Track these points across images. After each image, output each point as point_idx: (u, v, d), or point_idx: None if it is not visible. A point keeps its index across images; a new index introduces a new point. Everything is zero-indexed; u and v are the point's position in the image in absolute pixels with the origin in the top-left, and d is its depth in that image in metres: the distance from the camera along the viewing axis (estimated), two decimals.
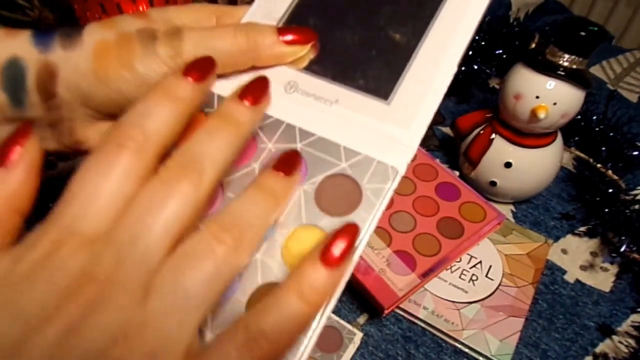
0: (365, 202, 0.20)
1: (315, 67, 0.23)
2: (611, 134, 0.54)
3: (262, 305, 0.16)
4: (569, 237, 0.49)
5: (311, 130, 0.22)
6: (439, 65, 0.22)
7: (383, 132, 0.21)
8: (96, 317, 0.14)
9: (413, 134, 0.21)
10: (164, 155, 0.17)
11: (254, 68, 0.23)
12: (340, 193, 0.20)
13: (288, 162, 0.19)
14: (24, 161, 0.16)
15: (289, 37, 0.22)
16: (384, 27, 0.24)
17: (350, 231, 0.17)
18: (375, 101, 0.22)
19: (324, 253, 0.16)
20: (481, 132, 0.48)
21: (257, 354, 0.15)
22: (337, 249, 0.16)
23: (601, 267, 0.47)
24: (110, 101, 0.23)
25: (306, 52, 0.23)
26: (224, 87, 0.22)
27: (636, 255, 0.45)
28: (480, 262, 0.44)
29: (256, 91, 0.19)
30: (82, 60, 0.23)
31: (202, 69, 0.19)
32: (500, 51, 0.62)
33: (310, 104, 0.22)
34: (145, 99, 0.17)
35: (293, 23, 0.24)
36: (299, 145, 0.21)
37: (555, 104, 0.42)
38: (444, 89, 0.22)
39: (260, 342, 0.15)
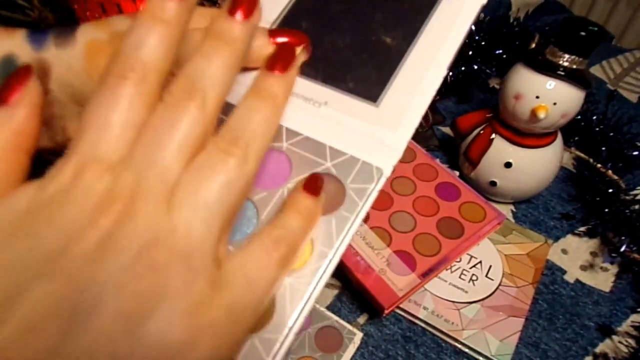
0: (348, 201, 0.20)
1: (306, 69, 0.23)
2: (611, 134, 0.54)
3: (277, 220, 0.19)
4: (569, 237, 0.49)
5: (298, 130, 0.22)
6: (428, 69, 0.22)
7: (370, 134, 0.21)
8: (128, 227, 0.15)
9: (400, 137, 0.21)
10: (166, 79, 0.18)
11: (245, 69, 0.23)
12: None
13: (282, 58, 0.19)
14: (27, 100, 0.17)
15: (280, 39, 0.22)
16: (376, 31, 0.24)
17: (316, 186, 0.20)
18: (364, 104, 0.22)
19: (305, 186, 0.20)
20: (481, 132, 0.48)
21: (281, 251, 0.18)
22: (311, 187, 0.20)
23: (601, 267, 0.47)
24: None
25: (297, 54, 0.23)
26: None
27: (636, 255, 0.45)
28: (480, 262, 0.44)
29: (246, 3, 0.18)
30: (74, 59, 0.23)
31: None
32: (500, 51, 0.62)
33: (298, 105, 0.22)
34: (135, 27, 0.17)
35: (286, 26, 0.24)
36: (285, 145, 0.21)
37: (555, 104, 0.42)
38: (433, 93, 0.22)
39: (281, 242, 0.18)
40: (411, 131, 0.21)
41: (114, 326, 0.14)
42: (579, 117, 0.55)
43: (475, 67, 0.61)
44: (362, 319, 0.41)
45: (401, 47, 0.23)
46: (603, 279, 0.46)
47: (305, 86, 0.23)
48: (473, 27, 0.62)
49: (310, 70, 0.23)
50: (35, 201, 0.15)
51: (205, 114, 0.17)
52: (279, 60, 0.19)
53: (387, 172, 0.21)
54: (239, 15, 0.18)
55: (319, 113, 0.22)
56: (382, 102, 0.22)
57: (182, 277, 0.15)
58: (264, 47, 0.22)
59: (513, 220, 0.50)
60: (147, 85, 0.17)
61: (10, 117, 0.17)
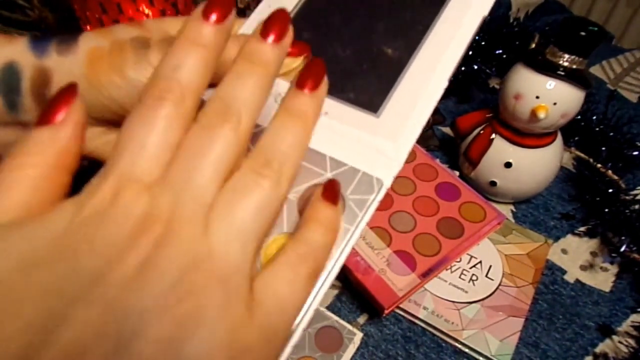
0: (348, 212, 0.20)
1: None
2: (611, 134, 0.54)
3: (300, 234, 0.18)
4: (569, 237, 0.49)
5: None
6: (429, 81, 0.22)
7: (371, 144, 0.21)
8: (167, 250, 0.15)
9: (400, 148, 0.21)
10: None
11: None
12: None
13: (311, 76, 0.19)
14: (71, 119, 0.17)
15: None
16: (378, 41, 0.24)
17: (335, 190, 0.19)
18: (365, 114, 0.22)
19: (324, 193, 0.19)
20: (481, 132, 0.48)
21: (307, 267, 0.17)
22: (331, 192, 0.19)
23: (601, 267, 0.47)
24: (102, 107, 0.24)
25: (298, 64, 0.23)
26: None
27: (636, 255, 0.45)
28: (480, 262, 0.44)
29: (278, 27, 0.19)
30: (75, 66, 0.24)
31: (222, 9, 0.18)
32: (500, 51, 0.62)
33: None
34: (173, 50, 0.18)
35: None
36: None
37: (555, 104, 0.42)
38: (433, 104, 0.22)
39: (307, 258, 0.18)
40: (412, 142, 0.21)
41: (155, 351, 0.14)
42: (579, 117, 0.55)
43: (475, 67, 0.61)
44: (362, 319, 0.41)
45: (402, 58, 0.23)
46: (603, 279, 0.46)
47: None
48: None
49: None
50: (74, 222, 0.15)
51: (239, 136, 0.17)
52: (309, 78, 0.19)
53: (388, 183, 0.20)
54: (270, 38, 0.18)
55: (320, 123, 0.22)
56: (382, 112, 0.22)
57: (220, 300, 0.15)
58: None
59: (513, 220, 0.50)
60: (184, 107, 0.17)
61: (55, 137, 0.17)
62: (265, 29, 0.18)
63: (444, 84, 0.22)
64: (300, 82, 0.19)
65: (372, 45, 0.24)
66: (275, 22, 0.19)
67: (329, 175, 0.21)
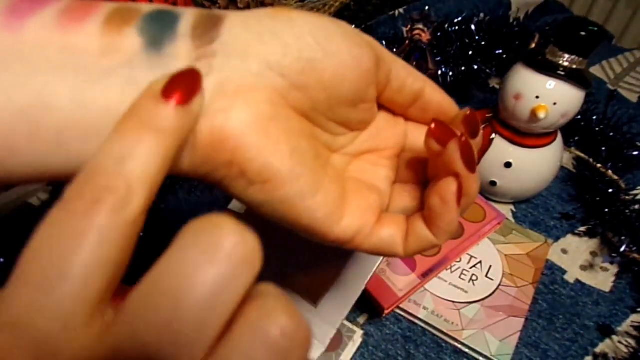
0: None
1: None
2: (611, 134, 0.54)
3: None
4: (569, 237, 0.49)
5: None
6: (354, 287, 0.34)
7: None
8: None
9: (328, 334, 0.35)
10: None
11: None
12: None
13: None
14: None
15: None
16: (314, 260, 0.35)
17: None
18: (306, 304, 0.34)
19: None
20: (481, 132, 0.48)
21: None
22: None
23: (601, 267, 0.47)
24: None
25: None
26: None
27: (636, 255, 0.45)
28: (480, 262, 0.44)
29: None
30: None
31: (186, 88, 0.15)
32: (500, 51, 0.62)
33: None
34: (119, 136, 0.14)
35: None
36: None
37: (555, 104, 0.42)
38: (352, 303, 0.35)
39: None
40: (336, 329, 0.35)
41: None
42: (579, 117, 0.55)
43: (475, 67, 0.61)
44: (362, 319, 0.41)
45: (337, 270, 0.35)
46: (603, 279, 0.46)
47: None
48: (473, 27, 0.62)
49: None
50: None
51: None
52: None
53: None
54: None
55: None
56: (320, 305, 0.35)
57: None
58: None
59: (513, 220, 0.50)
60: (129, 213, 0.13)
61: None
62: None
63: (362, 287, 0.34)
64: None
65: (311, 261, 0.35)
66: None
67: None
